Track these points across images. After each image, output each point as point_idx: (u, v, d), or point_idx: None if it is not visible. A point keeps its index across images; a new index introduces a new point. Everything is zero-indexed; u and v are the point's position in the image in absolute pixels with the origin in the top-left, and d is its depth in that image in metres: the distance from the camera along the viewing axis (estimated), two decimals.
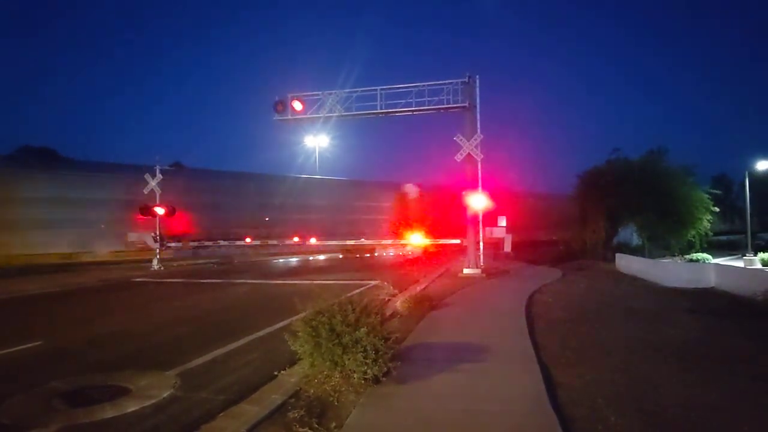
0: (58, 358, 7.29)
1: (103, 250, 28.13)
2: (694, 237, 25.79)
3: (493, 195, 17.57)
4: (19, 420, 4.75)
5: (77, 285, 17.13)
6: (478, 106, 17.45)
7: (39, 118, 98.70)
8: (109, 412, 4.92)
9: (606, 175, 26.46)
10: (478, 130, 17.18)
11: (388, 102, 18.43)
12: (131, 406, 5.06)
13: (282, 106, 19.21)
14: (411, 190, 40.63)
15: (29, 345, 7.89)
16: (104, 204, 28.64)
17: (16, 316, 11.68)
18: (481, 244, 17.74)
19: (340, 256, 32.20)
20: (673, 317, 9.41)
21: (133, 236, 25.22)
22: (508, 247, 19.08)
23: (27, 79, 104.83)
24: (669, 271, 15.49)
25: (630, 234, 28.26)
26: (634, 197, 24.23)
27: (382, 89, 18.43)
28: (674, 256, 24.33)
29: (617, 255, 20.75)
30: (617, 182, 25.11)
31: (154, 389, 5.55)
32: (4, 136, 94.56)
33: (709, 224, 25.89)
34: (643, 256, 21.48)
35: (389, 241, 31.40)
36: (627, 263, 19.01)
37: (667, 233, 25.03)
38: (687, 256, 23.39)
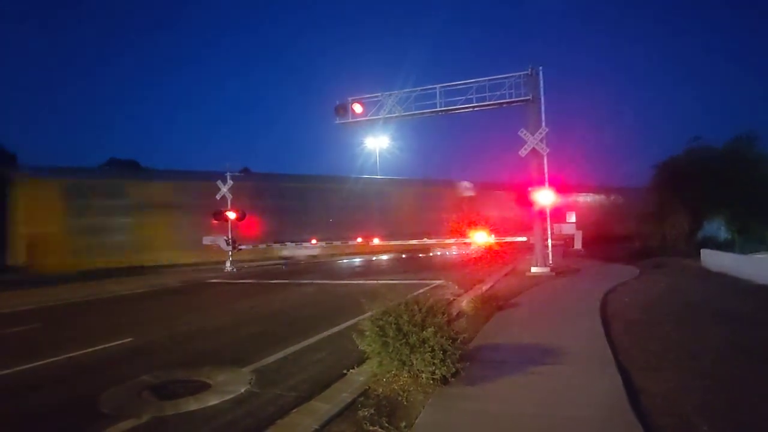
0: (146, 353, 7.90)
1: (179, 253, 30.04)
2: None
3: (560, 190, 16.84)
4: (116, 410, 5.20)
5: (160, 286, 18.48)
6: (542, 99, 16.79)
7: (124, 132, 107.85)
8: (192, 405, 5.26)
9: (686, 165, 24.50)
10: (543, 124, 16.54)
11: (448, 99, 18.22)
12: (212, 400, 5.37)
13: (343, 109, 19.58)
14: (467, 187, 39.98)
15: (122, 341, 8.64)
16: (181, 210, 30.57)
17: (110, 314, 12.79)
18: (550, 241, 17.06)
19: (404, 256, 32.29)
20: None
21: (207, 240, 26.79)
22: (578, 244, 18.26)
23: (110, 95, 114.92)
24: (765, 268, 14.04)
25: (716, 228, 25.96)
26: (720, 188, 22.23)
27: (441, 87, 18.25)
28: None
29: (702, 251, 19.12)
30: (700, 172, 23.17)
31: (231, 385, 5.86)
32: (94, 149, 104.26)
33: None
34: (733, 251, 19.63)
35: (452, 240, 31.00)
36: (714, 259, 17.47)
37: (761, 226, 22.72)
38: None
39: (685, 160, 25.20)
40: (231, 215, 25.19)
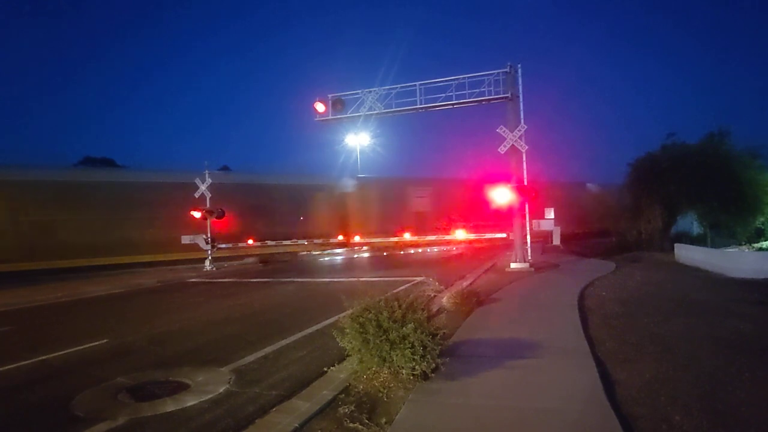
0: (122, 354, 7.73)
1: (158, 252, 29.41)
2: (763, 224, 23.98)
3: (539, 187, 17.07)
4: (91, 413, 5.07)
5: (138, 286, 18.10)
6: (521, 96, 16.98)
7: (98, 130, 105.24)
8: (170, 406, 5.17)
9: (661, 162, 25.06)
10: (522, 121, 16.73)
11: (428, 97, 18.26)
12: (190, 401, 5.29)
13: (323, 106, 19.45)
14: (447, 183, 40.20)
15: (97, 343, 8.44)
16: (158, 208, 29.94)
17: (84, 315, 12.49)
18: (529, 237, 17.29)
19: (384, 253, 32.33)
20: (742, 310, 8.79)
21: (186, 238, 26.33)
22: (557, 240, 18.55)
23: (90, 92, 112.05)
24: (735, 261, 14.49)
25: (690, 223, 26.67)
26: (693, 183, 22.82)
27: (421, 84, 18.29)
28: (741, 245, 22.71)
29: (676, 245, 19.64)
30: (674, 168, 23.71)
31: (210, 385, 5.78)
32: (69, 147, 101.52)
33: None
34: (705, 245, 20.22)
35: (433, 237, 31.20)
36: (687, 253, 17.97)
37: (732, 221, 23.39)
38: (755, 245, 21.80)
39: (660, 157, 25.76)
40: (209, 213, 24.81)
